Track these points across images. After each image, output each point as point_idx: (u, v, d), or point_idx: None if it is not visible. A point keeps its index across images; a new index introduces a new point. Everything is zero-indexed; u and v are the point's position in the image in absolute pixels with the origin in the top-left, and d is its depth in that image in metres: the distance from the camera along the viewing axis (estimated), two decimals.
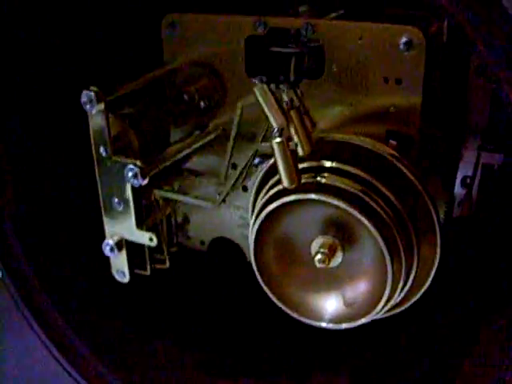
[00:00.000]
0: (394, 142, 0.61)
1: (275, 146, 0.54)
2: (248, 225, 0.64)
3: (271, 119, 0.54)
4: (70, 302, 0.78)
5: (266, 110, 0.54)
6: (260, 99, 0.55)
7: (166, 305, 0.83)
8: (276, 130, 0.54)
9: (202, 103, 0.67)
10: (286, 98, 0.57)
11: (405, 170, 0.58)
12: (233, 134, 0.65)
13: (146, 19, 0.72)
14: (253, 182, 0.65)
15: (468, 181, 0.73)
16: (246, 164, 0.64)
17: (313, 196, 0.55)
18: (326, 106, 0.64)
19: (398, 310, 0.62)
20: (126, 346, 0.77)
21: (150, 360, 0.77)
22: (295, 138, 0.56)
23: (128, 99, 0.66)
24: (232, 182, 0.66)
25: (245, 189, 0.72)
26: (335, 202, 0.54)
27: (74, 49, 0.73)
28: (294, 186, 0.54)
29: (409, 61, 0.59)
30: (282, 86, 0.59)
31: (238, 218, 0.75)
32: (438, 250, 0.59)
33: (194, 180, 0.74)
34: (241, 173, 0.65)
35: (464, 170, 0.74)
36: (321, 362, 0.76)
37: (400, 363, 0.73)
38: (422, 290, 0.61)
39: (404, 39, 0.58)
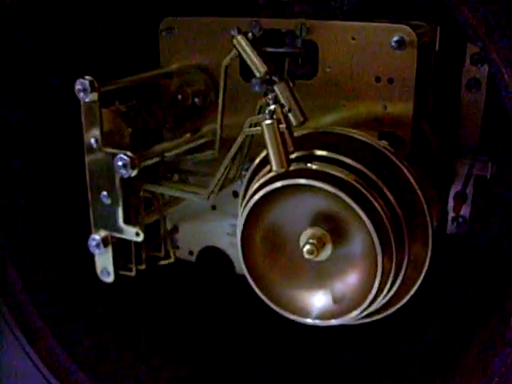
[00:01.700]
0: (385, 142, 0.61)
1: (265, 128, 0.53)
2: None
3: (253, 67, 0.56)
4: (56, 314, 0.76)
5: (247, 59, 0.56)
6: (240, 49, 0.57)
7: (153, 315, 0.81)
8: (267, 111, 0.53)
9: (196, 100, 0.67)
10: (270, 97, 0.57)
11: (398, 164, 0.57)
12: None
13: (144, 24, 0.73)
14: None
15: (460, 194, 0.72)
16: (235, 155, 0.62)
17: (302, 181, 0.53)
18: (319, 107, 0.64)
19: (389, 311, 0.60)
20: (112, 359, 0.75)
21: (137, 372, 0.74)
22: None
23: (123, 97, 0.66)
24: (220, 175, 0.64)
25: (235, 194, 0.72)
26: (325, 187, 0.53)
27: (75, 52, 0.74)
28: (283, 170, 0.53)
29: (401, 60, 0.60)
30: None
31: (228, 226, 0.74)
32: (430, 248, 0.58)
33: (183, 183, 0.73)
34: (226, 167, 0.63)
35: (458, 185, 0.74)
36: (311, 375, 0.73)
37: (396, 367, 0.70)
38: (414, 289, 0.59)
39: (396, 38, 0.59)
